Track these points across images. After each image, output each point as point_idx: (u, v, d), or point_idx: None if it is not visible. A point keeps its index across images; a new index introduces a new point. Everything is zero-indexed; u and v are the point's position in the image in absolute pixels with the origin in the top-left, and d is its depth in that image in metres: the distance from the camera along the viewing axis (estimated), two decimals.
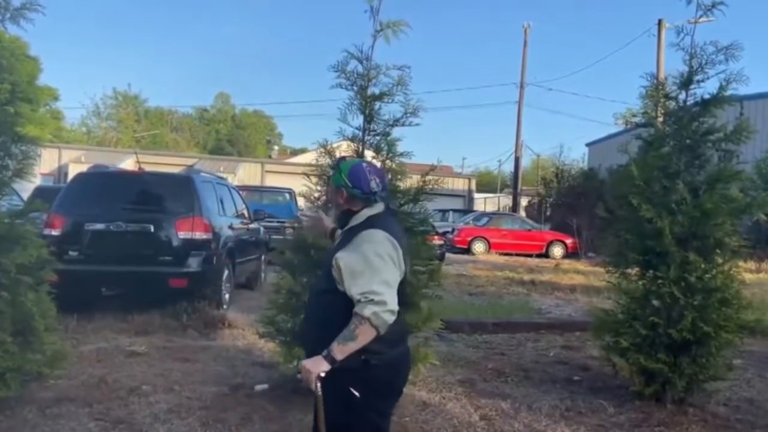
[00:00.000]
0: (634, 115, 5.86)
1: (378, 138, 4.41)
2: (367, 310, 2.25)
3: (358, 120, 4.40)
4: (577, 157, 55.21)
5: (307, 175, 4.39)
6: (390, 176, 4.42)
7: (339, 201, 2.49)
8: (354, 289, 2.29)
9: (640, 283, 4.96)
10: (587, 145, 35.70)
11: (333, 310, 2.35)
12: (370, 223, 2.41)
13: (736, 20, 50.46)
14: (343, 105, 4.33)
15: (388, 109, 4.42)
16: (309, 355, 2.37)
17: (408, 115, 4.33)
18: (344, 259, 2.34)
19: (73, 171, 23.92)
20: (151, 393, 4.67)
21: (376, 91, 4.34)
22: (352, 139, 4.41)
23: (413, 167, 4.92)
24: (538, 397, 4.99)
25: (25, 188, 9.27)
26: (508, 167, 44.15)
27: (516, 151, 30.63)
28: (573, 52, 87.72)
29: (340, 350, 2.25)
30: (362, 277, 2.30)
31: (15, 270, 3.99)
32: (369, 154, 4.45)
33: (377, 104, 4.35)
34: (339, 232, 2.57)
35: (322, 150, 4.42)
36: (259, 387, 4.87)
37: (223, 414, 4.29)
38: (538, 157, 46.30)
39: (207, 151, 53.71)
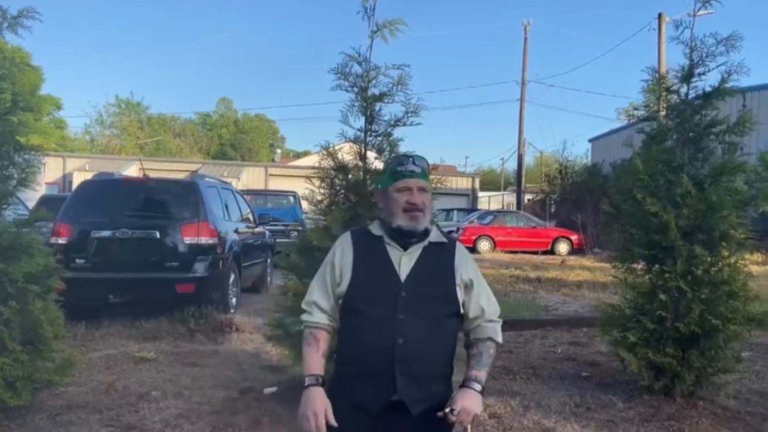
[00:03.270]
0: (636, 109, 5.84)
1: (380, 139, 4.41)
2: (500, 335, 2.13)
3: (360, 121, 4.41)
4: (580, 153, 55.18)
5: (309, 178, 4.40)
6: None
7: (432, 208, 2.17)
8: (491, 309, 2.13)
9: (647, 277, 4.95)
10: (590, 140, 35.62)
11: (453, 336, 2.11)
12: (445, 234, 2.24)
13: (737, 11, 50.34)
14: (345, 107, 4.34)
15: (390, 110, 4.43)
16: (417, 391, 2.01)
17: (409, 114, 4.33)
18: (476, 277, 2.14)
19: (77, 179, 24.04)
20: (160, 398, 4.68)
21: (377, 92, 4.35)
22: (354, 141, 4.42)
23: None
24: (546, 394, 4.99)
25: (31, 198, 9.35)
26: (512, 165, 44.11)
27: (519, 148, 30.57)
28: (574, 48, 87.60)
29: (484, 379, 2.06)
30: (491, 295, 2.16)
31: (22, 279, 4.01)
32: (371, 155, 4.46)
33: (378, 105, 4.36)
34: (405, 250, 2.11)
35: (325, 152, 4.42)
36: (268, 390, 4.88)
37: (232, 418, 4.30)
38: (542, 154, 46.20)
39: (210, 157, 53.81)
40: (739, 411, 4.61)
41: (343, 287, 2.08)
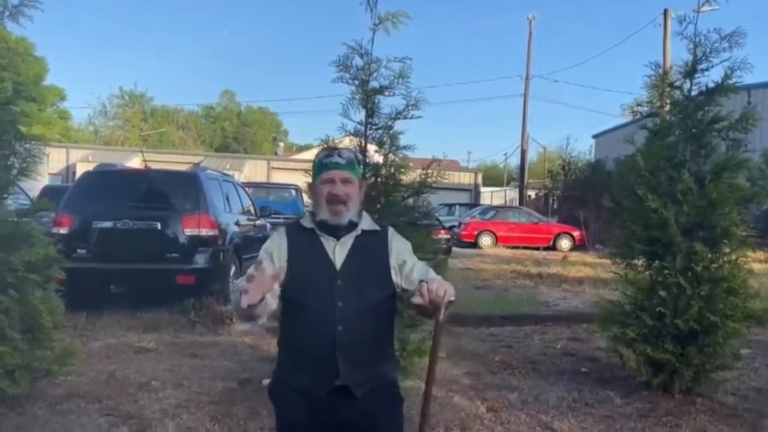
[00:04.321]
0: (638, 104, 5.82)
1: (380, 132, 4.41)
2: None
3: (360, 114, 4.41)
4: (584, 149, 55.00)
5: (307, 171, 4.39)
6: (393, 170, 4.42)
7: (361, 198, 2.20)
8: (430, 273, 2.14)
9: (647, 273, 4.95)
10: (594, 136, 35.55)
11: (392, 318, 2.19)
12: (373, 220, 2.28)
13: (744, 8, 50.06)
14: (345, 100, 4.34)
15: (390, 103, 4.43)
16: (359, 374, 2.07)
17: (410, 107, 4.33)
18: (410, 256, 2.18)
19: (80, 170, 24.04)
20: (160, 388, 4.70)
21: (377, 85, 4.34)
22: (355, 134, 4.42)
23: (419, 162, 4.91)
24: (545, 389, 4.99)
25: (35, 188, 9.36)
26: (515, 160, 44.07)
27: (522, 144, 30.52)
28: (579, 44, 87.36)
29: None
30: (426, 266, 2.20)
31: (22, 268, 4.03)
32: (372, 149, 4.46)
33: (378, 98, 4.35)
34: (338, 240, 2.13)
35: (324, 146, 4.42)
36: (266, 381, 4.87)
37: (231, 408, 4.32)
38: (545, 150, 46.09)
39: (213, 149, 53.85)
40: (737, 408, 4.61)
41: (281, 278, 2.07)
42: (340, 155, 2.15)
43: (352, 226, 2.14)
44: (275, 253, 2.13)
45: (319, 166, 2.16)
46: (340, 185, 2.10)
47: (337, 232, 2.13)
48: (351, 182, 2.13)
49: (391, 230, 2.25)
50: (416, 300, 1.94)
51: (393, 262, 2.15)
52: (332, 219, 2.11)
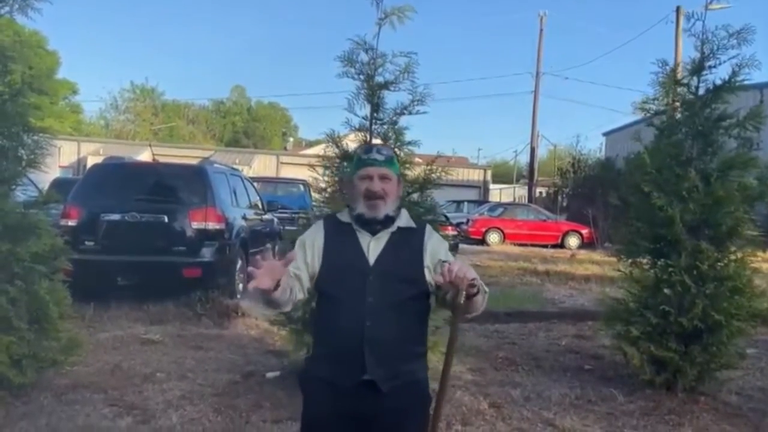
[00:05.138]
0: (645, 102, 5.76)
1: (385, 127, 4.41)
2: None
3: (366, 109, 4.40)
4: (594, 147, 54.68)
5: (312, 166, 4.41)
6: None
7: (399, 194, 2.19)
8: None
9: (652, 271, 4.93)
10: (604, 134, 35.33)
11: (423, 317, 2.16)
12: (415, 219, 2.27)
13: (754, 8, 49.54)
14: (351, 95, 4.33)
15: (396, 98, 4.42)
16: (386, 370, 2.05)
17: (415, 103, 4.32)
18: (446, 256, 2.16)
19: (91, 163, 24.20)
20: (164, 380, 4.75)
21: (383, 80, 4.33)
22: (360, 129, 4.42)
23: (426, 159, 4.90)
24: (548, 385, 4.99)
25: (45, 180, 9.44)
26: (524, 158, 43.89)
27: (532, 141, 30.41)
28: (590, 41, 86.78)
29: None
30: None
31: (29, 259, 4.07)
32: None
33: (384, 93, 4.35)
34: (371, 237, 2.12)
35: (330, 141, 4.43)
36: (270, 374, 4.93)
37: (235, 400, 4.35)
38: (555, 148, 45.86)
39: (223, 144, 53.96)
40: (741, 407, 4.59)
41: (315, 269, 2.13)
42: (378, 151, 2.15)
43: (389, 221, 2.13)
44: (308, 243, 2.15)
45: (358, 162, 2.16)
46: (377, 182, 2.10)
47: (373, 226, 2.12)
48: (389, 179, 2.13)
49: (428, 228, 2.23)
50: (436, 278, 1.93)
51: (428, 261, 2.13)
52: (369, 213, 2.11)
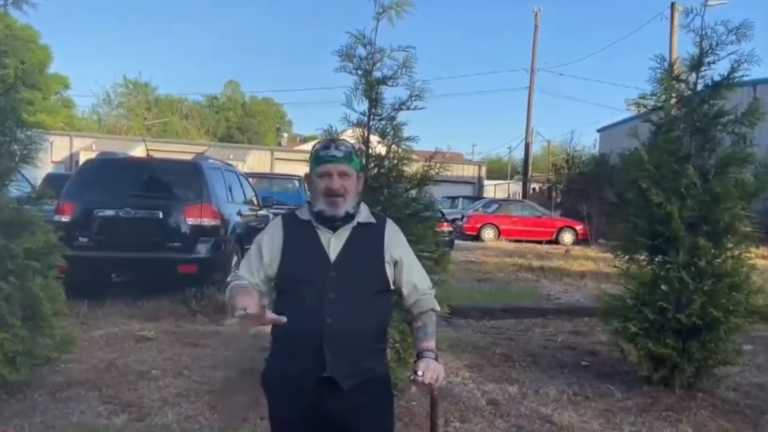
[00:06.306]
0: (642, 98, 5.73)
1: (383, 122, 4.37)
2: (437, 304, 2.22)
3: (363, 105, 4.36)
4: (588, 143, 54.85)
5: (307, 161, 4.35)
6: (396, 161, 4.39)
7: (358, 190, 2.18)
8: (424, 284, 2.22)
9: (649, 268, 4.93)
10: (599, 130, 35.40)
11: (384, 312, 2.16)
12: (375, 213, 2.27)
13: (753, 5, 49.65)
14: (348, 90, 4.29)
15: (394, 93, 4.38)
16: (347, 367, 2.04)
17: (413, 98, 4.28)
18: (406, 254, 2.21)
19: (84, 159, 24.04)
20: (160, 377, 4.71)
21: (381, 75, 4.29)
22: (358, 125, 4.38)
23: (422, 155, 4.88)
24: (545, 382, 4.99)
25: (38, 176, 9.36)
26: (519, 154, 43.91)
27: (526, 137, 30.43)
28: (584, 37, 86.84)
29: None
30: (421, 269, 2.24)
31: (23, 255, 4.02)
32: (374, 139, 4.42)
33: (382, 88, 4.31)
34: (332, 233, 2.12)
35: (328, 136, 4.38)
36: None
37: (231, 398, 4.32)
38: (549, 144, 45.89)
39: (217, 139, 53.76)
40: (739, 403, 4.60)
41: (273, 269, 2.11)
42: (337, 147, 2.11)
43: (349, 217, 2.11)
44: (266, 246, 2.14)
45: (317, 159, 2.12)
46: (337, 179, 2.07)
47: (333, 223, 2.11)
48: (348, 175, 2.10)
49: (389, 223, 2.22)
50: (414, 379, 2.04)
51: (387, 257, 2.13)
52: (329, 210, 2.09)
